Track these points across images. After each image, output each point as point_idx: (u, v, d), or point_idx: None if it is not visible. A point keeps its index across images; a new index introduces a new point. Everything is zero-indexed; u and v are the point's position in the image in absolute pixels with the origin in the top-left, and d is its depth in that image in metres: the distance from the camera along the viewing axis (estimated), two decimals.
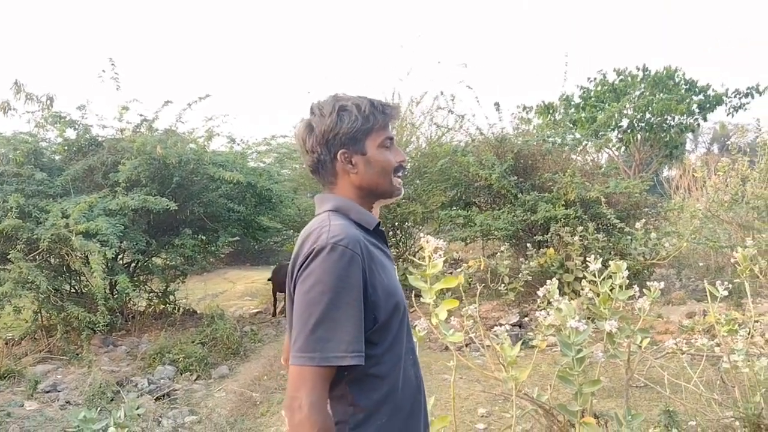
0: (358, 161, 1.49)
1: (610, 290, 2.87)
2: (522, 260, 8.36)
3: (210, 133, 8.60)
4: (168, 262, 9.03)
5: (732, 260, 3.76)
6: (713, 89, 16.81)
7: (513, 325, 7.79)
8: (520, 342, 2.80)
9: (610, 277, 2.95)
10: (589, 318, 3.68)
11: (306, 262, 1.33)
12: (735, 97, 16.83)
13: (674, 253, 8.00)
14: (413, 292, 2.56)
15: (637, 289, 2.92)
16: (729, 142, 16.11)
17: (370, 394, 1.36)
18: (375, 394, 1.37)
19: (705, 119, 17.41)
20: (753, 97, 16.66)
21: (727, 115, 17.39)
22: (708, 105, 16.82)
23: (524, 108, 15.93)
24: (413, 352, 1.52)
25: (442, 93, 10.77)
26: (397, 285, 1.46)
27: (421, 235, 2.62)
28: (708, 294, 3.67)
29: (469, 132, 10.33)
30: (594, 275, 2.90)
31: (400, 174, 1.56)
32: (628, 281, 2.87)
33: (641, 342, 2.99)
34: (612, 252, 7.97)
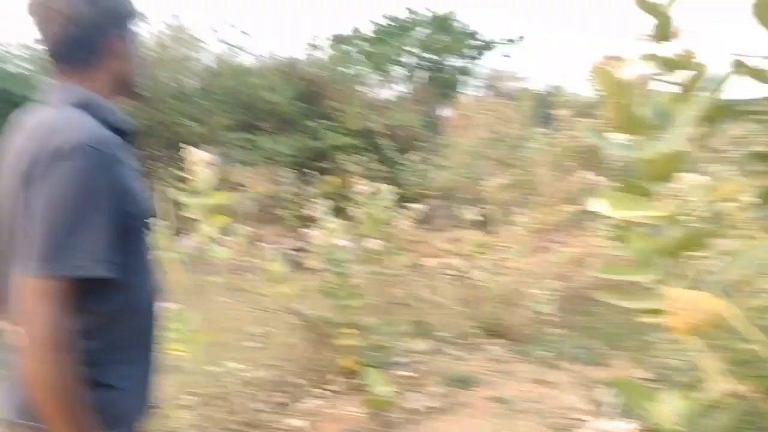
0: (124, 47, 1.37)
1: (377, 212, 3.06)
2: (305, 186, 8.50)
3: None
4: None
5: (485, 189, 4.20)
6: (485, 35, 18.33)
7: (294, 249, 7.94)
8: (291, 263, 2.87)
9: (379, 200, 3.13)
10: (357, 237, 3.89)
11: (51, 163, 1.18)
12: (504, 43, 18.53)
13: (443, 184, 8.71)
14: (179, 207, 2.45)
15: (404, 213, 3.14)
16: (496, 86, 17.71)
17: (113, 302, 1.29)
18: (118, 301, 1.30)
19: (478, 62, 18.95)
20: (515, 42, 18.59)
21: (498, 60, 19.19)
22: (481, 49, 18.30)
23: (315, 38, 15.87)
24: (153, 261, 1.45)
25: (229, 8, 10.17)
26: (145, 192, 1.38)
27: (187, 147, 2.48)
28: (464, 220, 4.06)
29: (259, 54, 10.04)
30: (363, 197, 3.06)
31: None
32: (398, 206, 3.07)
33: (403, 261, 3.25)
34: (390, 181, 8.44)
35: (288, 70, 9.45)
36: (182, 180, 2.37)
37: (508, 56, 18.78)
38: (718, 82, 1.20)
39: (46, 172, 1.18)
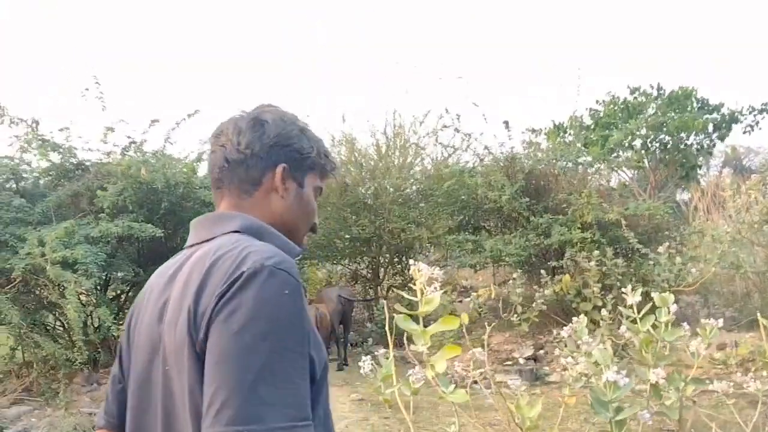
0: (291, 189, 1.25)
1: (653, 328, 2.31)
2: (536, 288, 7.76)
3: (201, 156, 8.11)
4: None
5: None
6: (727, 107, 16.24)
7: (527, 358, 7.20)
8: (539, 404, 2.22)
9: (649, 312, 2.39)
10: (621, 358, 3.11)
11: (231, 292, 0.98)
12: (750, 113, 16.19)
13: (701, 280, 7.40)
14: (405, 335, 2.00)
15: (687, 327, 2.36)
16: (750, 162, 15.56)
17: None
18: None
19: (722, 139, 16.81)
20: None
21: (744, 133, 16.76)
22: (723, 124, 16.24)
23: (533, 130, 15.37)
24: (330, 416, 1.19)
25: (447, 111, 10.07)
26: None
27: (412, 262, 2.17)
28: (762, 327, 3.13)
29: (476, 152, 9.80)
30: (633, 310, 2.33)
31: (311, 233, 1.33)
32: (674, 317, 2.30)
33: (690, 391, 2.42)
34: (633, 278, 7.37)
35: (508, 165, 9.03)
36: (401, 299, 1.94)
37: (758, 126, 16.32)
38: None
39: (226, 302, 0.98)
